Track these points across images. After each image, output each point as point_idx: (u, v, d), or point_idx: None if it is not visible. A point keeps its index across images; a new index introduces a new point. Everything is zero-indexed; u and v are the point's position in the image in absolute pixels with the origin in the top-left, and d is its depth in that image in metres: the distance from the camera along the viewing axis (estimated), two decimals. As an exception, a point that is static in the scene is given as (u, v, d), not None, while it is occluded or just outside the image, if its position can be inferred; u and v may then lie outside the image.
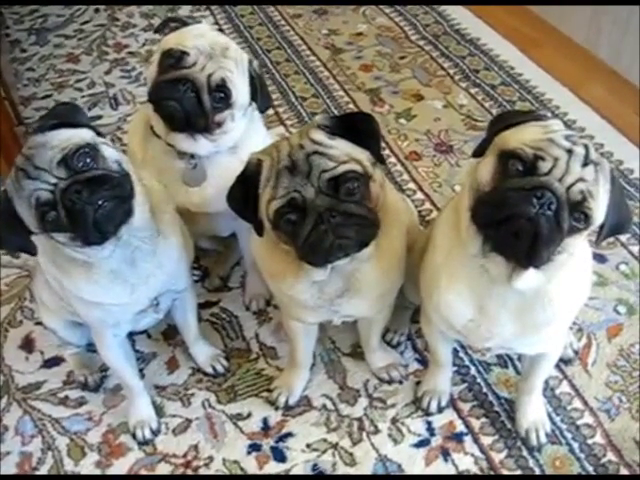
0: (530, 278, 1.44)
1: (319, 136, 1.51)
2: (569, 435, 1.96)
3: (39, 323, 2.28)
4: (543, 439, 1.93)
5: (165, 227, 1.75)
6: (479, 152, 1.48)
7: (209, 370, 2.17)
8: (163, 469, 1.97)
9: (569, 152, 1.33)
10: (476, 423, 2.01)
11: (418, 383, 2.10)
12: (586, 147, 1.35)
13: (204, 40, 1.82)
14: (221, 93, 1.80)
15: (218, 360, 2.18)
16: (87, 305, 1.74)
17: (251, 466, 1.96)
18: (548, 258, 1.36)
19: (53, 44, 3.72)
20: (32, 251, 1.60)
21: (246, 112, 1.91)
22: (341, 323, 1.93)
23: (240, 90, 1.84)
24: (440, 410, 2.03)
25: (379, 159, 1.57)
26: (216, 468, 1.96)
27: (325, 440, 2.00)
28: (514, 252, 1.39)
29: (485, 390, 2.08)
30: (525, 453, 1.93)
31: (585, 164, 1.33)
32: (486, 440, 1.97)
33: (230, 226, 2.20)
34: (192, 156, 1.92)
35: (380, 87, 3.25)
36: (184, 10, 3.86)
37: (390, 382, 2.12)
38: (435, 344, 1.91)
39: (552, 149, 1.33)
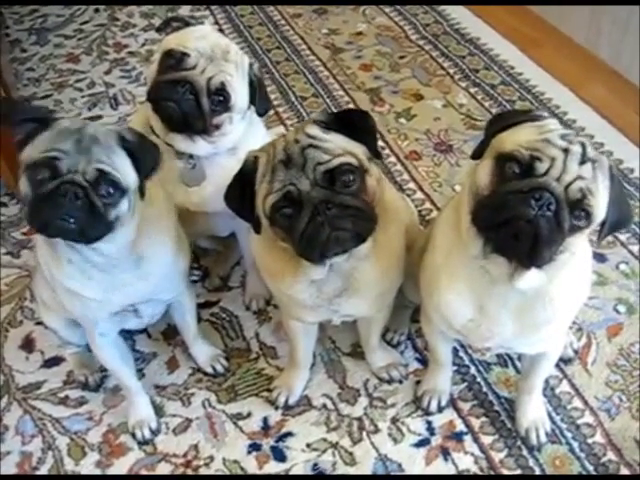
0: (532, 278, 1.44)
1: (314, 130, 1.52)
2: (569, 434, 1.96)
3: (39, 323, 2.28)
4: (543, 438, 1.93)
5: (154, 249, 1.74)
6: (478, 154, 1.48)
7: (209, 370, 2.18)
8: (163, 469, 1.97)
9: (565, 151, 1.32)
10: (476, 422, 2.01)
11: (418, 382, 2.10)
12: (583, 145, 1.34)
13: (205, 42, 1.82)
14: (220, 96, 1.81)
15: (218, 360, 2.19)
16: (69, 295, 1.73)
17: (251, 466, 1.96)
18: (550, 258, 1.36)
19: (53, 44, 3.72)
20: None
21: (245, 115, 1.92)
22: (341, 323, 1.93)
23: (239, 94, 1.85)
24: (440, 409, 2.03)
25: (375, 154, 1.58)
26: (216, 468, 1.97)
27: (325, 440, 2.00)
28: (516, 253, 1.39)
29: (485, 389, 2.08)
30: (525, 452, 1.93)
31: (582, 162, 1.33)
32: (486, 439, 1.97)
33: (229, 226, 2.20)
34: (191, 156, 1.92)
35: (380, 87, 3.25)
36: (184, 10, 3.86)
37: (390, 381, 2.12)
38: (435, 344, 1.91)
39: (548, 149, 1.33)
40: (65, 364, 2.23)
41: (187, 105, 1.78)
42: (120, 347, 2.00)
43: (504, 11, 3.63)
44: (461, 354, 2.16)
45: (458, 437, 1.98)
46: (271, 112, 3.07)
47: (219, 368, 2.18)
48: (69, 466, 2.00)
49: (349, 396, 2.10)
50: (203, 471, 1.96)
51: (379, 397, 2.09)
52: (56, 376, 2.22)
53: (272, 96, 3.21)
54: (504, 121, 1.46)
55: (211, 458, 1.99)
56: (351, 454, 1.97)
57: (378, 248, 1.66)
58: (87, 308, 1.76)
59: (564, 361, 2.09)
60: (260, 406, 2.10)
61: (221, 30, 3.53)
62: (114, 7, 3.96)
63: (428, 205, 2.65)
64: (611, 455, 1.91)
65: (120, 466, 1.99)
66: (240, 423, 2.06)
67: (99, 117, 3.16)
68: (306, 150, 1.48)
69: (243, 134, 1.91)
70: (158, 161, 1.66)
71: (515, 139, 1.37)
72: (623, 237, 2.46)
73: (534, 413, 1.94)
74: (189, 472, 1.96)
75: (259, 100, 1.92)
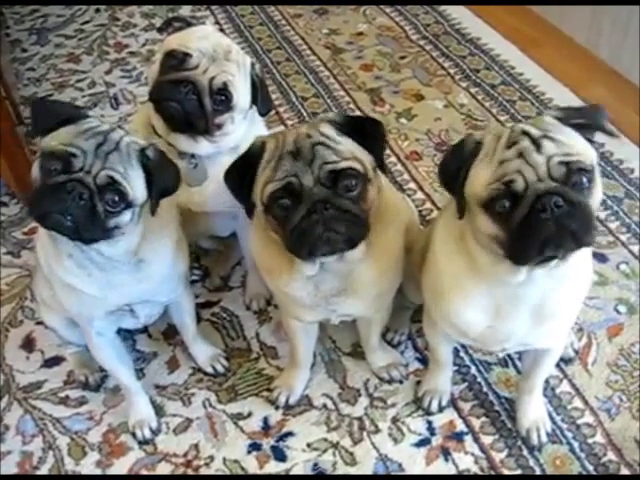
0: (543, 277, 1.45)
1: (328, 130, 1.53)
2: (569, 434, 1.96)
3: (40, 323, 2.28)
4: (544, 438, 1.93)
5: (154, 254, 1.75)
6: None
7: (209, 370, 2.18)
8: (164, 468, 1.97)
9: None
10: (476, 422, 2.01)
11: (418, 382, 2.10)
12: None
13: (207, 42, 1.82)
14: (222, 96, 1.81)
15: (218, 360, 2.19)
16: (66, 290, 1.73)
17: (251, 465, 1.96)
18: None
19: (54, 44, 3.72)
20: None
21: (247, 115, 1.92)
22: (340, 322, 1.93)
23: (241, 94, 1.85)
24: (441, 409, 2.03)
25: (381, 166, 1.59)
26: (216, 467, 1.97)
27: (325, 439, 2.00)
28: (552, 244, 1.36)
29: (485, 389, 2.08)
30: (525, 452, 1.93)
31: None
32: (486, 439, 1.97)
33: (230, 226, 2.20)
34: (193, 156, 1.92)
35: (381, 87, 3.25)
36: (185, 10, 3.86)
37: (390, 381, 2.12)
38: (437, 345, 1.91)
39: None
40: (65, 364, 2.24)
41: (189, 105, 1.78)
42: (117, 347, 2.00)
43: (505, 11, 3.63)
44: (461, 354, 2.16)
45: (458, 437, 1.98)
46: (272, 112, 3.08)
47: (219, 368, 2.18)
48: (69, 466, 2.00)
49: (349, 396, 2.10)
50: (203, 471, 1.96)
51: (379, 397, 2.09)
52: (56, 376, 2.22)
53: (273, 96, 3.20)
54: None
55: (211, 458, 1.98)
56: (351, 454, 1.97)
57: (376, 250, 1.66)
58: (83, 305, 1.76)
59: (564, 361, 2.09)
60: (260, 406, 2.10)
61: (222, 30, 3.52)
62: (115, 7, 3.96)
63: (429, 205, 2.65)
64: (611, 455, 1.91)
65: (120, 466, 1.99)
66: (240, 423, 2.06)
67: (100, 117, 3.16)
68: (316, 147, 1.48)
69: (245, 134, 1.91)
70: (175, 184, 1.67)
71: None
72: (624, 237, 2.46)
73: (535, 413, 1.94)
74: (189, 472, 1.96)
75: (261, 100, 1.92)
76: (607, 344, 2.15)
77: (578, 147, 1.36)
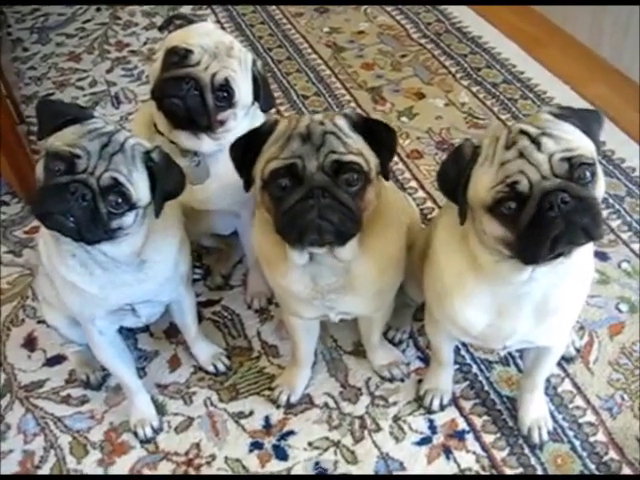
0: (546, 274, 1.45)
1: (342, 123, 1.54)
2: (571, 433, 1.95)
3: (41, 321, 2.29)
4: (545, 437, 1.93)
5: (157, 255, 1.75)
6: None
7: (210, 369, 2.18)
8: (165, 467, 1.97)
9: None
10: (478, 421, 2.01)
11: (420, 381, 2.10)
12: None
13: (209, 39, 1.82)
14: (224, 92, 1.81)
15: (219, 359, 2.18)
16: (68, 288, 1.73)
17: (253, 464, 1.96)
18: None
19: (55, 43, 3.72)
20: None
21: (249, 111, 1.92)
22: (340, 321, 1.93)
23: (243, 90, 1.85)
24: (442, 408, 2.03)
25: (385, 173, 1.59)
26: (218, 466, 1.97)
27: (327, 438, 2.00)
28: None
29: (487, 388, 2.08)
30: (527, 451, 1.93)
31: None
32: (488, 438, 1.97)
33: (232, 224, 2.20)
34: (195, 154, 1.92)
35: (381, 85, 3.25)
36: (185, 9, 3.85)
37: (392, 380, 2.11)
38: (439, 344, 1.91)
39: None
40: (67, 363, 2.24)
41: (192, 101, 1.78)
42: (118, 346, 2.00)
43: (506, 10, 3.63)
44: (463, 353, 2.16)
45: (460, 436, 1.98)
46: (273, 110, 3.08)
47: (220, 367, 2.18)
48: (71, 464, 2.00)
49: (351, 394, 2.10)
50: (205, 470, 1.96)
51: (381, 395, 2.09)
52: (58, 375, 2.22)
53: (274, 95, 3.21)
54: None
55: (213, 457, 1.98)
56: (353, 453, 1.97)
57: (375, 249, 1.66)
58: (85, 304, 1.76)
59: (566, 360, 2.09)
60: (262, 405, 2.10)
61: (223, 29, 3.51)
62: (116, 6, 3.96)
63: (430, 204, 2.65)
64: (613, 454, 1.90)
65: (122, 464, 1.99)
66: (242, 422, 2.06)
67: (102, 115, 3.15)
68: (327, 135, 1.49)
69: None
70: (179, 188, 1.68)
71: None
72: (625, 235, 2.46)
73: (536, 412, 1.94)
74: (191, 471, 1.96)
75: (263, 96, 1.92)
76: (608, 342, 2.15)
77: (577, 141, 1.36)
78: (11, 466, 2.00)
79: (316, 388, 2.12)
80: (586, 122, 1.41)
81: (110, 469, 1.98)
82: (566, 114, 1.42)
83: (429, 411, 2.03)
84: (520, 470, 1.89)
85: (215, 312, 2.36)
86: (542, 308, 1.55)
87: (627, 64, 3.10)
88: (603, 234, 1.36)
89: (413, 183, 2.75)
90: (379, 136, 1.56)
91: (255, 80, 1.89)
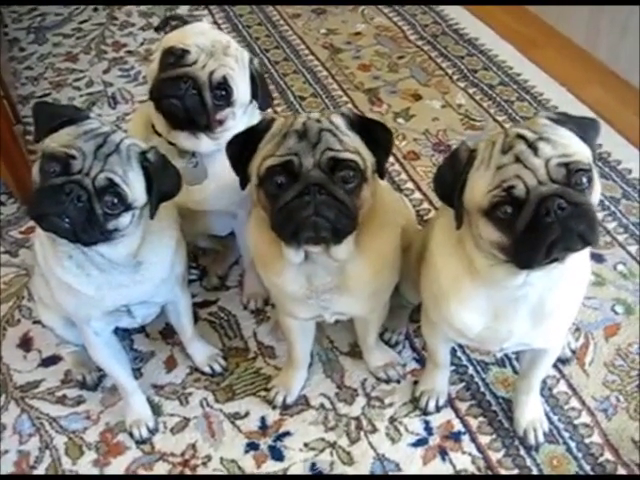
0: (540, 278, 1.45)
1: (338, 121, 1.54)
2: (566, 434, 1.96)
3: (37, 322, 2.28)
4: (541, 438, 1.93)
5: (153, 256, 1.75)
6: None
7: (206, 370, 2.17)
8: (161, 468, 1.97)
9: None
10: (474, 422, 2.01)
11: (416, 382, 2.10)
12: None
13: (205, 38, 1.82)
14: (222, 91, 1.80)
15: (216, 360, 2.18)
16: (64, 289, 1.73)
17: (249, 465, 1.96)
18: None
19: (52, 43, 3.72)
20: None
21: (247, 110, 1.91)
22: (335, 322, 1.93)
23: (241, 88, 1.84)
24: (438, 409, 2.03)
25: (380, 172, 1.59)
26: (214, 467, 1.96)
27: (323, 439, 2.00)
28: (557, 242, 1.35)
29: (483, 389, 2.08)
30: (522, 452, 1.93)
31: None
32: (484, 439, 1.97)
33: (229, 225, 2.20)
34: (193, 154, 1.92)
35: (378, 87, 3.26)
36: (182, 9, 3.85)
37: (388, 381, 2.12)
38: (435, 345, 1.91)
39: None
40: (63, 363, 2.23)
41: (190, 101, 1.77)
42: (114, 346, 1.99)
43: (503, 12, 3.64)
44: (459, 354, 2.16)
45: (456, 437, 1.98)
46: (269, 111, 3.08)
47: (217, 368, 2.18)
48: (67, 465, 1.99)
49: (347, 396, 2.10)
50: (201, 470, 1.96)
51: (377, 397, 2.09)
52: (54, 375, 2.22)
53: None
54: None
55: (209, 457, 1.98)
56: (349, 454, 1.97)
57: (370, 250, 1.67)
58: (81, 304, 1.76)
59: (562, 361, 2.09)
60: (258, 405, 2.09)
61: (220, 30, 3.51)
62: (113, 6, 3.96)
63: (426, 205, 2.66)
64: (608, 455, 1.91)
65: (118, 465, 1.98)
66: (238, 422, 2.06)
67: (98, 116, 3.14)
68: (324, 132, 1.49)
69: None
70: (175, 189, 1.67)
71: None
72: (621, 238, 2.47)
73: (532, 413, 1.95)
74: (187, 471, 1.96)
75: (261, 94, 1.92)
76: (604, 344, 2.16)
77: (574, 147, 1.36)
78: (6, 466, 2.00)
79: (312, 389, 2.12)
80: (583, 128, 1.41)
81: (106, 470, 1.98)
82: (563, 119, 1.42)
83: (425, 412, 2.03)
84: (516, 471, 1.89)
85: (211, 313, 2.36)
86: (538, 311, 1.55)
87: (624, 66, 3.11)
88: (599, 240, 1.36)
89: (410, 184, 2.75)
90: (375, 135, 1.56)
91: (253, 78, 1.88)
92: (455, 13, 3.72)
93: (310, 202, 1.46)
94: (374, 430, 2.01)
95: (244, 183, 1.61)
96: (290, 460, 1.96)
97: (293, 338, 2.01)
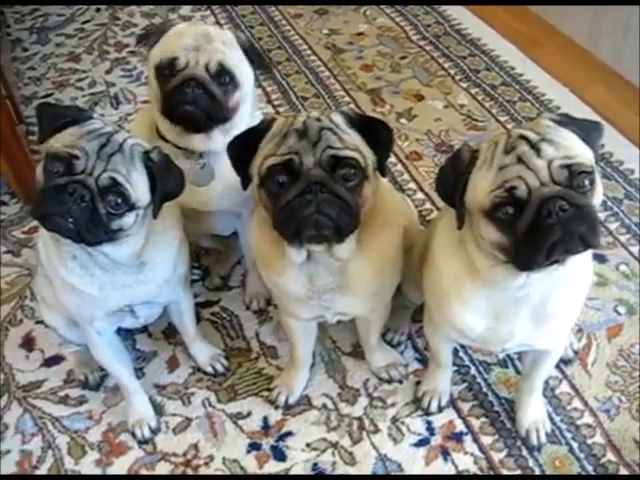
0: (541, 280, 1.45)
1: (338, 119, 1.54)
2: (569, 435, 1.96)
3: (39, 322, 2.29)
4: (543, 439, 1.93)
5: (157, 257, 1.75)
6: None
7: (209, 370, 2.17)
8: (163, 468, 1.97)
9: None
10: (476, 423, 2.01)
11: (418, 383, 2.10)
12: None
13: (185, 38, 1.81)
14: (225, 77, 1.81)
15: (218, 360, 2.18)
16: (67, 290, 1.73)
17: (251, 465, 1.96)
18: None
19: (54, 43, 3.72)
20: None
21: (254, 89, 1.93)
22: (337, 322, 1.93)
23: (241, 67, 1.85)
24: (440, 410, 2.03)
25: (382, 169, 1.59)
26: (216, 467, 1.96)
27: (325, 439, 2.00)
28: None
29: (485, 390, 2.08)
30: (525, 453, 1.93)
31: None
32: (486, 440, 1.97)
33: (233, 225, 2.20)
34: (201, 155, 1.92)
35: (381, 87, 3.26)
36: (185, 10, 3.86)
37: (390, 381, 2.12)
38: (438, 346, 1.91)
39: None
40: (65, 363, 2.23)
41: (202, 100, 1.78)
42: (117, 346, 2.00)
43: (505, 12, 3.64)
44: (461, 354, 2.16)
45: (458, 437, 1.98)
46: (272, 111, 3.09)
47: (219, 368, 2.18)
48: (69, 465, 2.00)
49: (349, 396, 2.10)
50: (203, 470, 1.96)
51: (379, 397, 2.09)
52: (56, 375, 2.22)
53: (273, 96, 3.23)
54: None
55: (211, 457, 1.98)
56: (351, 454, 1.97)
57: (372, 250, 1.67)
58: (84, 305, 1.77)
59: (564, 362, 2.09)
60: (260, 406, 2.10)
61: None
62: (115, 7, 3.96)
63: (428, 205, 2.66)
64: (610, 456, 1.91)
65: (120, 465, 1.99)
66: (240, 422, 2.06)
67: (100, 116, 3.15)
68: (324, 130, 1.49)
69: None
70: (179, 188, 1.68)
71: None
72: (623, 238, 2.47)
73: (534, 414, 1.94)
74: (189, 471, 1.96)
75: (258, 63, 1.92)
76: (607, 345, 2.16)
77: (577, 149, 1.36)
78: (9, 466, 2.00)
79: (314, 389, 2.12)
80: (586, 131, 1.41)
81: (108, 469, 1.98)
82: (566, 121, 1.42)
83: (427, 413, 2.03)
84: (518, 472, 1.89)
85: (214, 313, 2.36)
86: (540, 312, 1.55)
87: (626, 67, 3.11)
88: (600, 243, 1.36)
89: (412, 185, 2.75)
90: (376, 133, 1.56)
91: (246, 52, 1.88)
92: (457, 13, 3.72)
93: (312, 200, 1.46)
94: (376, 430, 2.01)
95: (246, 183, 1.61)
96: (292, 460, 1.96)
97: (295, 338, 2.01)
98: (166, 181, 1.62)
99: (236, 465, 1.97)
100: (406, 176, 2.79)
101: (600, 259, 2.38)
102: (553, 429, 1.96)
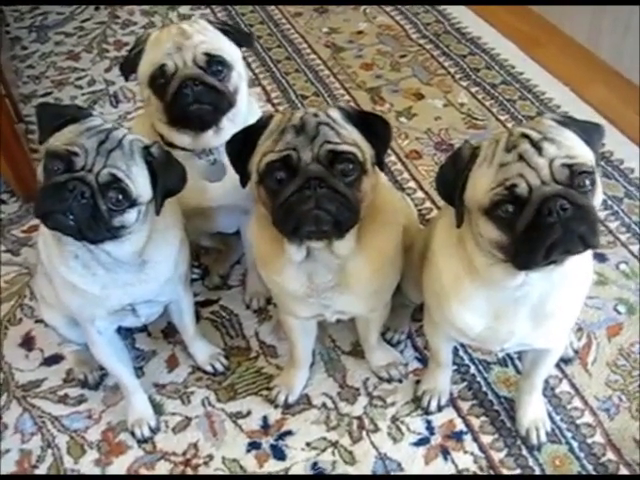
0: (540, 279, 1.45)
1: (336, 114, 1.54)
2: (569, 434, 1.96)
3: (39, 321, 2.29)
4: (543, 438, 1.93)
5: (159, 255, 1.75)
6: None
7: (208, 369, 2.17)
8: (163, 467, 1.97)
9: None
10: (476, 422, 2.01)
11: (418, 382, 2.10)
12: None
13: (164, 43, 1.82)
14: (216, 64, 1.81)
15: (217, 359, 2.18)
16: (68, 289, 1.73)
17: (251, 464, 1.96)
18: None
19: (53, 42, 3.72)
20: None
21: (246, 76, 1.95)
22: (337, 321, 1.93)
23: (226, 46, 1.86)
24: (440, 409, 2.03)
25: (380, 163, 1.59)
26: (216, 466, 1.96)
27: (325, 438, 2.00)
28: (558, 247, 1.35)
29: (485, 389, 2.08)
30: (525, 452, 1.93)
31: None
32: (486, 439, 1.97)
33: (237, 221, 2.19)
34: (210, 151, 1.92)
35: (380, 86, 3.25)
36: (184, 8, 3.86)
37: (390, 381, 2.11)
38: (437, 345, 1.91)
39: None
40: (65, 362, 2.23)
41: (206, 96, 1.79)
42: (116, 345, 2.00)
43: (505, 10, 3.63)
44: (461, 353, 2.16)
45: (458, 436, 1.98)
46: (272, 109, 3.08)
47: (218, 367, 2.18)
48: (68, 464, 2.00)
49: (349, 395, 2.10)
50: (202, 470, 1.96)
51: (379, 396, 2.09)
52: (56, 374, 2.22)
53: (273, 94, 3.23)
54: None
55: (210, 457, 1.98)
56: (351, 453, 1.97)
57: (371, 248, 1.66)
58: (85, 304, 1.76)
59: (564, 361, 2.09)
60: (260, 405, 2.09)
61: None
62: (114, 5, 3.96)
63: (428, 204, 2.65)
64: (610, 455, 1.91)
65: (119, 464, 1.99)
66: (240, 422, 2.06)
67: (100, 114, 3.16)
68: (321, 125, 1.49)
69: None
70: (180, 184, 1.67)
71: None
72: (623, 237, 2.46)
73: (534, 413, 1.94)
74: (188, 471, 1.96)
75: (239, 38, 1.92)
76: (607, 344, 2.15)
77: (578, 149, 1.35)
78: (8, 466, 2.00)
79: (314, 388, 2.12)
80: (588, 132, 1.41)
81: (107, 469, 1.98)
82: (568, 122, 1.42)
83: (427, 412, 2.03)
84: (518, 471, 1.89)
85: (213, 312, 2.36)
86: (539, 312, 1.55)
87: (627, 65, 3.10)
88: (599, 243, 1.36)
89: (412, 183, 2.75)
90: (373, 127, 1.56)
91: (224, 32, 1.89)
92: (457, 12, 3.72)
93: (310, 196, 1.45)
94: (376, 429, 2.01)
95: (244, 181, 1.61)
96: (292, 459, 1.96)
97: (295, 337, 2.01)
98: (167, 176, 1.61)
99: (236, 464, 1.96)
100: (406, 175, 2.79)
101: (600, 258, 2.37)
102: (553, 428, 1.96)
